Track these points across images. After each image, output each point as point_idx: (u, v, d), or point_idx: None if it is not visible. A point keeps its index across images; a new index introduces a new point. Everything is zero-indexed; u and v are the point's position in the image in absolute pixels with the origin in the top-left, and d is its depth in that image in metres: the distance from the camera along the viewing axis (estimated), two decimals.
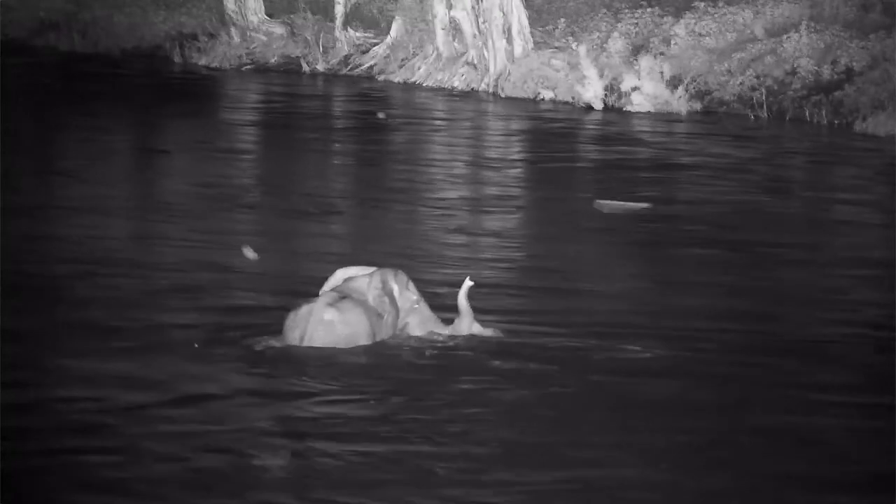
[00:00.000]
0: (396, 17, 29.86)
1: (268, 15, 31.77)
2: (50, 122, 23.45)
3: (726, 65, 26.02)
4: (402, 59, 29.33)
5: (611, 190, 18.13)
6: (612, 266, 14.68)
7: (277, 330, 11.21)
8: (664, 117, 25.13)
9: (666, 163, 20.90)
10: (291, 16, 31.74)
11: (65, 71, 30.03)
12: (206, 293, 12.73)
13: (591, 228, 16.30)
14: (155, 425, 9.53)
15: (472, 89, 27.93)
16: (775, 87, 25.23)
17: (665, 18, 27.53)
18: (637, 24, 27.66)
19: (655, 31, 27.33)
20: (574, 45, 27.22)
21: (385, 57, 29.67)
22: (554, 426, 9.74)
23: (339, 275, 11.54)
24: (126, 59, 31.65)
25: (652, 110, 25.65)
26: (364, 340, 11.11)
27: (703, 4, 27.41)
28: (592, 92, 26.21)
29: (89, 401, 9.95)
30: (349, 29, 30.59)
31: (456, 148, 22.36)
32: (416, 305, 11.48)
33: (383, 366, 10.83)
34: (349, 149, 22.52)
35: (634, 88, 26.03)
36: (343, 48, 30.46)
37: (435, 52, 28.81)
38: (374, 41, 30.30)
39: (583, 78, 26.38)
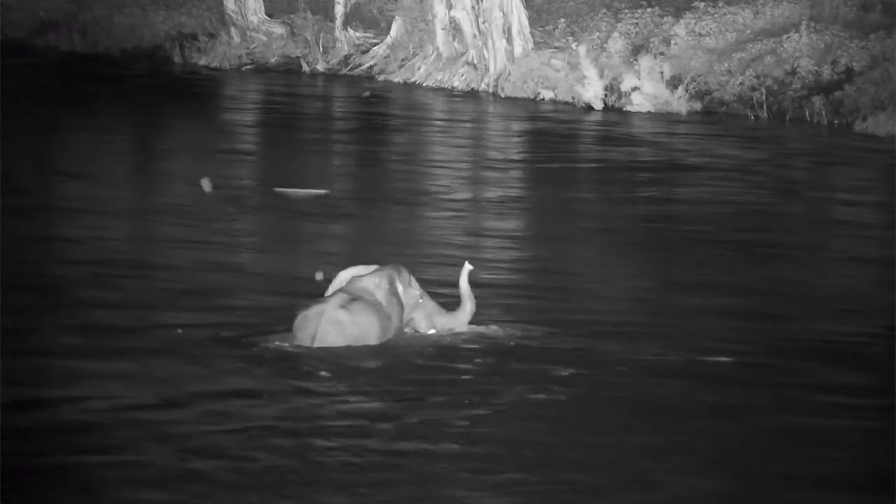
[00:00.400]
0: (396, 17, 29.86)
1: (268, 15, 31.77)
2: (50, 122, 23.42)
3: (726, 65, 26.03)
4: (402, 59, 29.34)
5: (611, 190, 18.11)
6: (613, 266, 14.68)
7: (281, 330, 11.20)
8: (664, 117, 25.13)
9: (666, 163, 20.89)
10: (291, 16, 31.74)
11: (65, 71, 30.02)
12: (207, 293, 12.72)
13: (593, 228, 16.29)
14: (155, 426, 9.52)
15: (472, 89, 27.93)
16: (775, 87, 25.24)
17: (665, 18, 27.53)
18: (637, 24, 27.66)
19: (655, 31, 27.33)
20: (574, 45, 27.22)
21: (385, 57, 29.68)
22: (555, 426, 9.73)
23: (344, 276, 11.52)
24: (126, 59, 31.66)
25: (652, 110, 25.65)
26: (373, 341, 11.10)
27: (703, 4, 27.41)
28: (592, 92, 26.21)
29: (89, 401, 9.93)
30: (349, 29, 30.59)
31: (456, 148, 22.35)
32: (420, 300, 11.50)
33: (387, 366, 10.82)
34: (350, 149, 22.52)
35: (634, 88, 26.03)
36: (343, 48, 30.47)
37: (435, 52, 28.81)
38: (374, 41, 30.31)
39: (583, 78, 26.39)
